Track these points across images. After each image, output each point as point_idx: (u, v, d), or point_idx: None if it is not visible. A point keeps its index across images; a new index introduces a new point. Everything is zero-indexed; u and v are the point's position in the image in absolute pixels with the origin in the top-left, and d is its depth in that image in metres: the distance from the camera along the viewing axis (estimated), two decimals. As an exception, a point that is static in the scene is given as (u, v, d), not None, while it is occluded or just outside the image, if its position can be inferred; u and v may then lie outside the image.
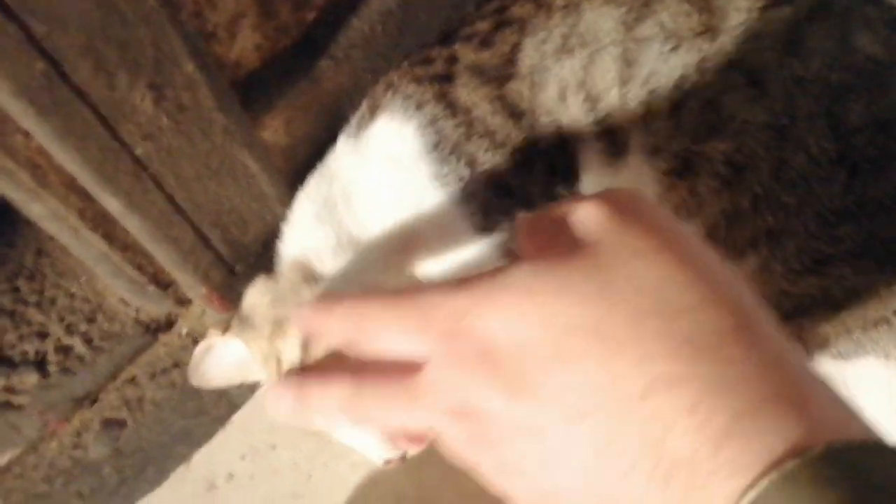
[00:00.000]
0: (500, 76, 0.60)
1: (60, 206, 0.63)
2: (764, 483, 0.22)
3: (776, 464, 0.22)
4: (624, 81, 0.56)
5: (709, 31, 0.55)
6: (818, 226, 0.51)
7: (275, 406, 0.33)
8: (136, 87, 0.56)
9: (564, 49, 0.58)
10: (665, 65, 0.55)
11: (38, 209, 0.63)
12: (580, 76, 0.57)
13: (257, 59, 0.70)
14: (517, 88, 0.59)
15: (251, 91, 0.71)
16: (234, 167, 0.70)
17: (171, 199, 0.67)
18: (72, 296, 0.84)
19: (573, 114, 0.58)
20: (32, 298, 0.84)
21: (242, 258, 0.79)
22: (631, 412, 0.24)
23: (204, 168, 0.67)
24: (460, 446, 0.29)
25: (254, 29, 0.66)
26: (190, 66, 0.58)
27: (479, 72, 0.60)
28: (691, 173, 0.56)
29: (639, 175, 0.58)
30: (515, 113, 0.59)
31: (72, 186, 0.62)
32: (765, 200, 0.53)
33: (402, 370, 0.29)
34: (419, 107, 0.60)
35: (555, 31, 0.59)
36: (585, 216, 0.29)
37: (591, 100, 0.58)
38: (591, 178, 0.60)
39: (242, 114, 0.68)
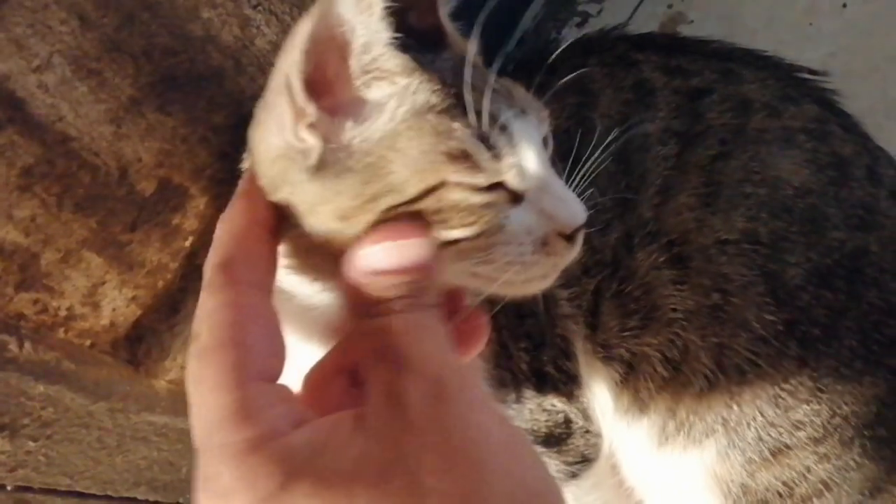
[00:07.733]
0: None
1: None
2: None
3: None
4: None
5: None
6: (776, 412, 0.43)
7: None
8: (-20, 441, 0.49)
9: None
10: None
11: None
12: None
13: (137, 308, 0.61)
14: None
15: (140, 342, 0.62)
16: (136, 431, 0.62)
17: (75, 493, 0.59)
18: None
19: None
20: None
21: (183, 491, 0.72)
22: None
23: (100, 453, 0.59)
24: None
25: (120, 287, 0.57)
26: (39, 388, 0.51)
27: None
28: (634, 374, 0.48)
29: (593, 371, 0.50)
30: None
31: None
32: (710, 394, 0.45)
33: None
34: None
35: None
36: None
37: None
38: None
39: (133, 376, 0.60)
